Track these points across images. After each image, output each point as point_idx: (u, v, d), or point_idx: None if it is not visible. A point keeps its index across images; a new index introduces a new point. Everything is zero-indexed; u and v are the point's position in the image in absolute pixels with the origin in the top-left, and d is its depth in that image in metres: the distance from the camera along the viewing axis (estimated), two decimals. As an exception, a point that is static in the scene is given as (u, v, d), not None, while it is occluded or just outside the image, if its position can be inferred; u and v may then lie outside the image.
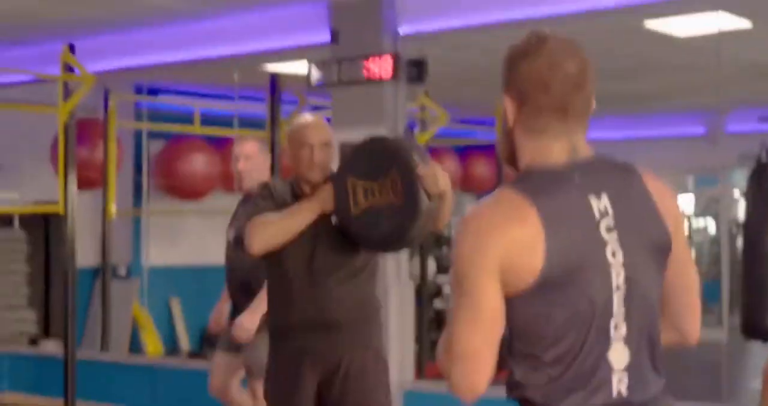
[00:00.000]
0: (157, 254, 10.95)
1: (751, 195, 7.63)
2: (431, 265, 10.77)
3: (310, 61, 7.02)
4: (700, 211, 14.79)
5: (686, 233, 13.73)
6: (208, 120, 9.86)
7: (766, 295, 7.27)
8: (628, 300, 2.14)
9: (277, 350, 4.33)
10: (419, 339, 8.13)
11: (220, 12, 7.60)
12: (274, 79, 8.43)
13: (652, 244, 2.19)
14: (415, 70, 6.70)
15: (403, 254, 6.83)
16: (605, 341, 2.12)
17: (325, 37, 7.07)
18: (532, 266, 2.05)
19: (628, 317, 2.14)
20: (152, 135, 10.52)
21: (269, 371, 4.35)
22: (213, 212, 10.80)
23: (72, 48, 7.26)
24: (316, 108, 8.57)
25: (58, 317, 9.48)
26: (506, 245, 2.05)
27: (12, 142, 10.04)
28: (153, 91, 10.68)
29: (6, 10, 7.58)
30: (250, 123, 9.78)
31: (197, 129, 9.50)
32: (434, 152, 10.47)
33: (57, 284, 10.11)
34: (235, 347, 5.54)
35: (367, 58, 6.73)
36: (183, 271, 11.30)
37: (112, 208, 9.14)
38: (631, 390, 2.14)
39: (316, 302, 4.16)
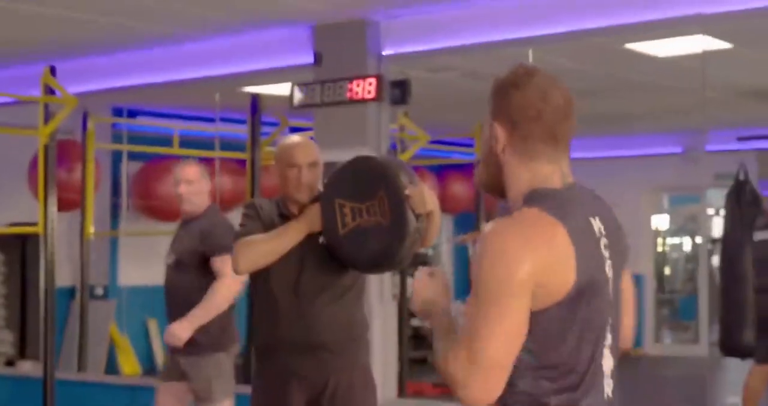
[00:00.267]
0: (134, 275, 10.91)
1: (729, 213, 7.72)
2: (409, 283, 10.78)
3: (293, 83, 7.04)
4: (676, 229, 14.90)
5: (659, 249, 13.78)
6: (188, 142, 9.85)
7: (744, 313, 7.34)
8: (614, 311, 2.35)
9: (262, 370, 4.32)
10: (399, 358, 8.13)
11: (202, 34, 7.62)
12: (255, 100, 8.44)
13: (621, 263, 2.40)
14: (398, 92, 6.74)
15: (387, 274, 6.85)
16: (602, 350, 2.30)
17: (308, 58, 7.10)
18: (565, 282, 2.19)
19: (613, 328, 2.33)
20: (131, 156, 10.50)
21: (255, 391, 4.34)
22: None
23: (53, 70, 7.26)
24: (296, 129, 8.58)
25: (35, 338, 9.44)
26: (541, 261, 2.16)
27: (-12, 164, 10.00)
28: (132, 113, 10.68)
29: (-15, 32, 7.58)
30: (230, 145, 9.78)
31: (176, 150, 9.50)
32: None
33: (33, 304, 10.06)
34: (179, 374, 5.51)
35: (350, 79, 6.76)
36: (160, 291, 11.21)
37: (90, 228, 9.13)
38: (613, 394, 2.33)
39: (303, 323, 4.15)
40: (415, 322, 11.89)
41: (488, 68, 8.65)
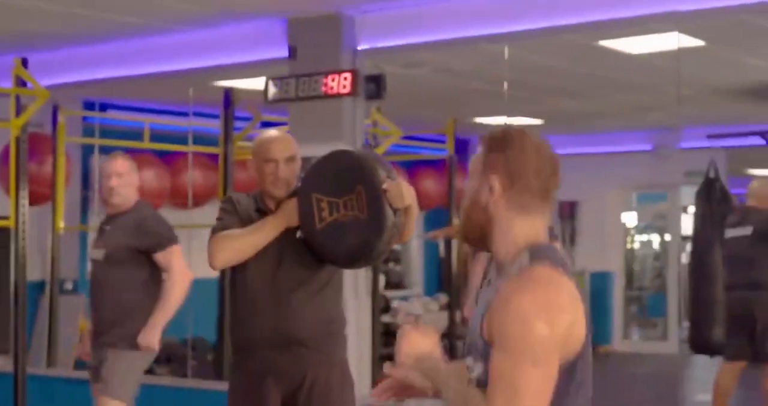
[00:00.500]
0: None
1: (699, 211, 7.75)
2: (381, 280, 10.79)
3: (267, 77, 7.01)
4: (644, 226, 14.97)
5: (628, 247, 13.82)
6: (160, 136, 9.80)
7: (713, 310, 7.37)
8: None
9: (239, 365, 4.31)
10: (372, 354, 8.12)
11: (175, 27, 7.58)
12: (228, 94, 8.41)
13: None
14: (373, 86, 6.73)
15: (361, 269, 6.84)
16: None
17: (282, 52, 7.08)
18: (581, 338, 2.32)
19: None
20: (102, 150, 10.43)
21: (231, 386, 4.32)
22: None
23: (25, 62, 7.20)
24: (269, 124, 8.55)
25: (4, 333, 9.36)
26: (570, 320, 2.28)
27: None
28: (104, 107, 10.61)
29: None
30: (203, 139, 9.74)
31: (146, 144, 9.45)
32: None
33: (3, 299, 9.98)
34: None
35: (326, 74, 6.75)
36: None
37: (60, 223, 9.09)
38: None
39: (280, 319, 4.14)
40: (386, 318, 11.90)
41: (460, 64, 8.71)
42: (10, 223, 7.16)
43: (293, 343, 4.14)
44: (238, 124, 8.69)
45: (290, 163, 4.20)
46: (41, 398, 8.23)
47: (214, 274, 8.24)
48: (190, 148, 9.47)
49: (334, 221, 4.06)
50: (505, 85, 7.38)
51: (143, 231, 5.41)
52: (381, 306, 11.10)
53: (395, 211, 3.96)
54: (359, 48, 6.90)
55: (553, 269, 2.31)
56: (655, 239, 15.01)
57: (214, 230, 4.17)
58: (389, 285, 13.05)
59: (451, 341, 10.23)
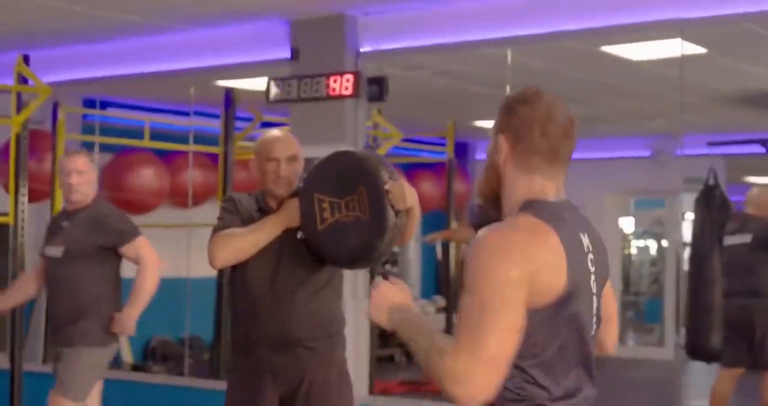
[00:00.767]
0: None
1: (698, 218, 7.75)
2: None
3: (269, 78, 7.01)
4: (641, 232, 14.98)
5: (625, 252, 13.82)
6: (161, 135, 9.80)
7: (711, 317, 7.37)
8: (597, 325, 2.49)
9: (238, 365, 4.30)
10: (369, 355, 8.13)
11: (177, 26, 7.58)
12: (229, 94, 8.42)
13: (604, 281, 2.52)
14: (375, 88, 6.73)
15: (361, 270, 6.85)
16: (584, 360, 2.42)
17: (284, 53, 7.08)
18: (555, 285, 2.30)
19: (593, 340, 2.47)
20: (101, 148, 10.43)
21: (230, 385, 4.32)
22: (160, 225, 10.74)
23: (26, 59, 7.21)
24: (270, 124, 8.56)
25: (0, 329, 9.35)
26: (535, 261, 2.27)
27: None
28: (104, 105, 10.61)
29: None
30: (203, 139, 9.74)
31: (146, 143, 9.45)
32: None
33: (0, 295, 9.96)
34: None
35: (328, 75, 6.74)
36: (127, 283, 11.19)
37: (59, 220, 9.07)
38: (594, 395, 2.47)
39: (280, 319, 4.13)
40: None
41: (462, 68, 8.71)
42: (9, 219, 7.17)
43: (292, 343, 4.14)
44: (238, 124, 8.70)
45: (292, 163, 4.19)
46: (37, 394, 8.23)
47: (212, 273, 8.26)
48: (191, 147, 9.46)
49: (336, 222, 4.05)
50: (508, 88, 7.39)
51: (104, 227, 5.41)
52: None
53: (397, 212, 3.95)
54: (362, 50, 6.90)
55: (535, 217, 2.33)
56: (652, 245, 15.02)
57: (215, 230, 4.16)
58: (386, 287, 13.05)
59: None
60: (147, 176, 10.51)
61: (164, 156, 10.58)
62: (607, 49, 7.74)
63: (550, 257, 2.29)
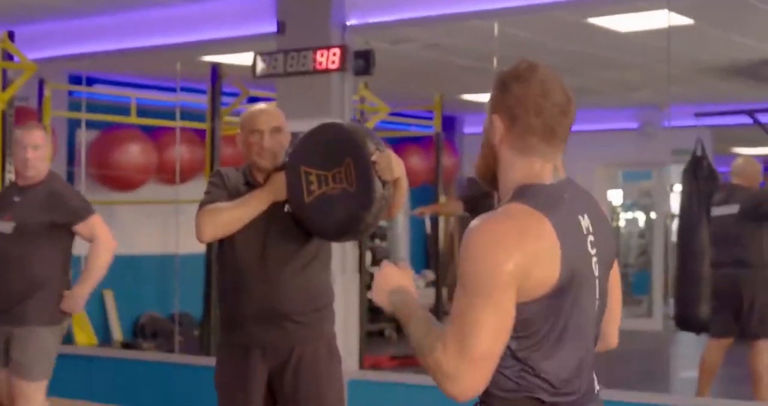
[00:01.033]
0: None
1: (686, 189, 7.76)
2: (367, 256, 10.80)
3: (255, 52, 6.98)
4: (630, 204, 14.99)
5: (613, 224, 13.83)
6: (147, 111, 9.76)
7: (700, 287, 7.39)
8: (600, 310, 2.43)
9: (226, 340, 4.30)
10: (359, 330, 8.14)
11: (164, 1, 7.54)
12: (215, 69, 8.39)
13: (609, 261, 2.46)
14: (362, 62, 6.70)
15: (349, 244, 6.84)
16: (587, 350, 2.38)
17: (270, 27, 7.04)
18: (549, 276, 2.24)
19: (597, 325, 2.43)
20: (88, 125, 10.40)
21: (219, 360, 4.32)
22: (147, 202, 10.72)
23: (11, 35, 7.17)
24: (257, 99, 8.54)
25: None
26: (527, 254, 2.21)
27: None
28: (90, 81, 10.56)
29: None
30: (189, 114, 9.71)
31: (133, 119, 9.43)
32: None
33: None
34: (4, 352, 5.34)
35: (314, 49, 6.71)
36: (116, 260, 11.18)
37: (46, 198, 9.05)
38: (596, 385, 2.44)
39: (268, 293, 4.12)
40: (371, 294, 11.92)
41: (449, 41, 8.68)
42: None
43: (281, 317, 4.13)
44: (225, 99, 8.68)
45: (276, 135, 4.17)
46: None
47: (201, 249, 8.26)
48: (178, 123, 9.43)
49: (323, 194, 4.03)
50: (495, 61, 7.36)
51: (58, 205, 5.28)
52: (367, 283, 11.13)
53: (384, 183, 3.93)
54: (348, 23, 6.87)
55: (526, 206, 2.26)
56: (640, 217, 15.04)
57: (202, 204, 4.15)
58: (376, 262, 13.05)
59: (438, 317, 10.25)
60: (134, 153, 10.49)
61: (151, 132, 10.55)
62: (594, 20, 7.72)
63: (543, 247, 2.23)
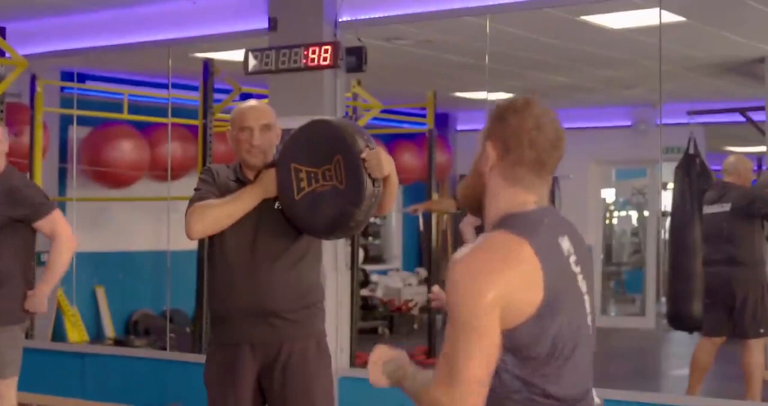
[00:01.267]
0: (82, 241, 10.77)
1: (678, 186, 7.77)
2: (359, 253, 10.80)
3: (247, 49, 6.96)
4: (623, 202, 14.99)
5: (606, 222, 13.85)
6: (139, 107, 9.74)
7: (692, 286, 7.39)
8: (594, 324, 2.53)
9: (217, 336, 4.30)
10: (351, 327, 8.13)
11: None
12: (207, 65, 8.37)
13: (592, 279, 2.55)
14: (354, 59, 6.68)
15: (341, 242, 6.83)
16: (586, 364, 2.49)
17: (262, 24, 7.03)
18: (534, 298, 2.32)
19: (592, 340, 2.52)
20: (80, 121, 10.38)
21: (208, 357, 4.32)
22: (140, 199, 10.71)
23: (2, 31, 7.15)
24: (249, 96, 8.52)
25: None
26: (508, 282, 2.29)
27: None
28: (82, 77, 10.54)
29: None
30: (182, 111, 9.69)
31: (125, 116, 9.42)
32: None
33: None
34: None
35: (306, 46, 6.70)
36: (108, 257, 11.19)
37: (38, 194, 9.06)
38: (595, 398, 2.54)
39: (257, 289, 4.12)
40: (364, 292, 11.92)
41: (442, 38, 8.67)
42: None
43: (270, 314, 4.13)
44: (218, 96, 8.66)
45: (266, 132, 4.16)
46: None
47: (193, 246, 8.24)
48: (169, 120, 9.41)
49: (313, 191, 4.03)
50: (486, 58, 7.36)
51: (17, 200, 5.20)
52: (360, 280, 11.13)
53: (374, 180, 3.93)
54: (340, 20, 6.86)
55: (507, 233, 2.36)
56: (633, 215, 15.04)
57: (192, 201, 4.15)
58: (368, 259, 13.07)
59: (430, 316, 10.24)
60: (126, 149, 10.48)
61: (143, 129, 10.54)
62: (586, 18, 7.71)
63: (524, 270, 2.31)
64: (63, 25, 8.23)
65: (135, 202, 10.85)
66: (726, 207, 7.28)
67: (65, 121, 10.43)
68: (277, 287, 4.12)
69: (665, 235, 9.77)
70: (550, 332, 2.33)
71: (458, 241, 10.06)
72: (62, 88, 10.35)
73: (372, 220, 12.89)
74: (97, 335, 10.97)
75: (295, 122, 4.31)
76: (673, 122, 10.01)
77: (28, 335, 9.02)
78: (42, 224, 5.23)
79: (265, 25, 6.99)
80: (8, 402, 5.32)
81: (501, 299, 2.25)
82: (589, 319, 2.48)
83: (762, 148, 10.39)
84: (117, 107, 9.45)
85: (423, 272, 12.65)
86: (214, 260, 4.25)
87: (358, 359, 7.98)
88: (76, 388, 8.10)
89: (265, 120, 4.17)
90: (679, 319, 7.64)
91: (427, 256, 11.38)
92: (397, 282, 12.88)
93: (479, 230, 4.08)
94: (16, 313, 5.27)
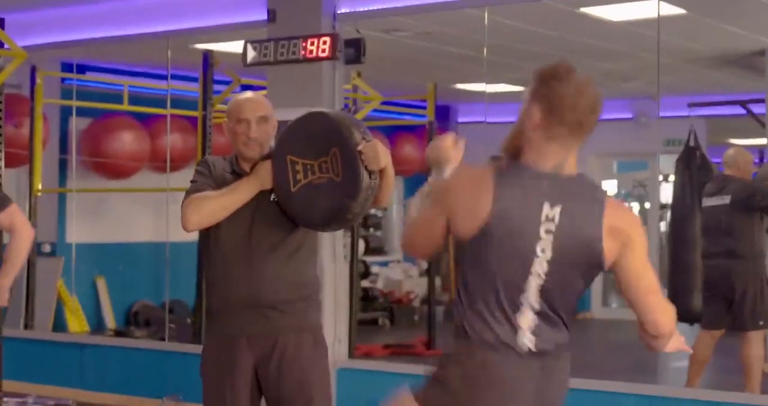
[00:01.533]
0: (83, 232, 10.83)
1: (678, 179, 7.76)
2: (360, 245, 10.80)
3: (245, 41, 6.96)
4: (624, 194, 14.97)
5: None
6: (139, 98, 9.74)
7: (692, 278, 7.39)
8: (548, 285, 2.85)
9: (213, 329, 4.29)
10: (349, 318, 8.14)
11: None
12: (207, 57, 8.37)
13: (574, 260, 2.86)
14: (352, 51, 6.68)
15: (340, 233, 6.84)
16: (514, 307, 2.85)
17: (261, 15, 7.02)
18: (474, 222, 2.83)
19: (543, 297, 2.86)
20: (80, 112, 10.38)
21: (205, 349, 4.31)
22: (139, 190, 10.71)
23: (1, 22, 7.14)
24: (249, 87, 8.52)
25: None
26: (460, 196, 2.87)
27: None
28: (82, 69, 10.54)
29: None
30: (181, 102, 9.69)
31: (125, 107, 9.42)
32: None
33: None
34: None
35: (304, 37, 6.69)
36: (109, 248, 11.20)
37: (38, 185, 9.09)
38: (538, 349, 2.86)
39: (252, 282, 4.11)
40: (365, 283, 11.92)
41: (441, 29, 8.66)
42: (-15, 184, 7.13)
43: (265, 306, 4.12)
44: (217, 87, 8.65)
45: (262, 124, 4.14)
46: (19, 360, 8.24)
47: (193, 237, 8.24)
48: (169, 111, 9.41)
49: (309, 184, 4.02)
50: (485, 50, 7.35)
51: None
52: (361, 271, 11.14)
53: (371, 173, 3.92)
54: (339, 12, 6.85)
55: (490, 168, 2.86)
56: (635, 207, 15.03)
57: (188, 193, 4.13)
58: (369, 251, 13.06)
59: (431, 307, 10.25)
60: (127, 141, 10.48)
61: (144, 120, 10.54)
62: (585, 10, 7.70)
63: (476, 198, 2.81)
64: (62, 16, 8.24)
65: (135, 193, 10.85)
66: (726, 199, 7.27)
67: (65, 113, 10.44)
68: (272, 279, 4.11)
69: (665, 227, 9.76)
70: (487, 261, 2.83)
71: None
72: (63, 80, 10.36)
73: (372, 211, 12.91)
74: (97, 325, 10.99)
75: (293, 114, 4.30)
76: (674, 115, 10.01)
77: (28, 326, 9.06)
78: (1, 218, 5.20)
79: (264, 16, 6.99)
80: None
81: (453, 202, 2.87)
82: (532, 279, 2.83)
83: (763, 141, 10.37)
84: (117, 98, 9.45)
85: (424, 264, 12.65)
86: (210, 251, 4.24)
87: (357, 351, 8.00)
88: (76, 378, 8.12)
89: (262, 112, 4.16)
90: (679, 311, 7.59)
91: (428, 248, 11.36)
92: (397, 274, 12.88)
93: None
94: None
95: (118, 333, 10.59)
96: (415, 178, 11.68)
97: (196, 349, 7.16)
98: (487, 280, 2.84)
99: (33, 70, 8.96)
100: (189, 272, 8.89)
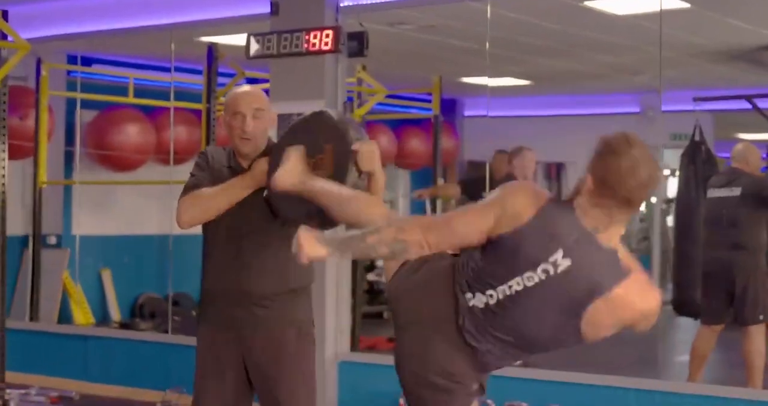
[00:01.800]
0: (88, 224, 10.85)
1: (683, 173, 7.75)
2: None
3: (249, 33, 6.96)
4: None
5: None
6: (144, 91, 9.74)
7: (698, 272, 7.38)
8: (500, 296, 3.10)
9: (203, 319, 4.32)
10: (353, 311, 8.14)
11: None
12: (211, 49, 8.37)
13: (563, 305, 3.04)
14: (355, 44, 6.67)
15: (342, 227, 6.82)
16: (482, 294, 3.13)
17: (264, 8, 7.02)
18: (504, 226, 3.03)
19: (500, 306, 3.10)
20: (85, 105, 10.39)
21: (197, 338, 4.33)
22: (144, 182, 10.72)
23: (5, 15, 7.15)
24: (253, 80, 8.51)
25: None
26: (518, 199, 3.07)
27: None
28: (87, 61, 10.55)
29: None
30: (186, 95, 9.69)
31: (131, 100, 9.43)
32: (369, 127, 10.46)
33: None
34: None
35: (307, 30, 6.69)
36: (114, 241, 11.22)
37: (43, 177, 9.11)
38: (470, 326, 3.14)
39: (241, 275, 4.14)
40: (370, 276, 11.92)
41: (445, 22, 8.65)
42: (-10, 176, 7.14)
43: (251, 299, 4.14)
44: (222, 80, 8.66)
45: (258, 117, 4.13)
46: (24, 352, 8.26)
47: (197, 229, 8.25)
48: (172, 103, 9.42)
49: None
50: (487, 44, 7.34)
51: None
52: (366, 265, 11.14)
53: (360, 172, 3.90)
54: (342, 5, 6.84)
55: (550, 195, 3.07)
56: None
57: (186, 188, 4.18)
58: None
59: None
60: (132, 133, 10.48)
61: (149, 113, 10.54)
62: (589, 3, 7.69)
63: (526, 206, 3.02)
64: (66, 8, 8.24)
65: (141, 185, 10.87)
66: (735, 191, 7.22)
67: (71, 105, 10.45)
68: (260, 273, 4.13)
69: (671, 221, 9.75)
70: (487, 261, 3.08)
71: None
72: (69, 72, 10.37)
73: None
74: (103, 318, 11.01)
75: (297, 107, 4.30)
76: (680, 109, 9.98)
77: (33, 318, 9.08)
78: None
79: (267, 9, 6.99)
80: None
81: (504, 210, 3.04)
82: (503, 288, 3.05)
83: (771, 136, 10.36)
84: (122, 91, 9.45)
85: (429, 257, 12.64)
86: (204, 244, 4.29)
87: (362, 343, 8.01)
88: (80, 370, 8.14)
89: (257, 104, 4.15)
90: (684, 305, 7.64)
91: (434, 241, 11.35)
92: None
93: None
94: None
95: (123, 325, 10.61)
96: (422, 172, 11.68)
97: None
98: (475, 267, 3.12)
99: (38, 63, 8.97)
100: (194, 265, 8.84)
